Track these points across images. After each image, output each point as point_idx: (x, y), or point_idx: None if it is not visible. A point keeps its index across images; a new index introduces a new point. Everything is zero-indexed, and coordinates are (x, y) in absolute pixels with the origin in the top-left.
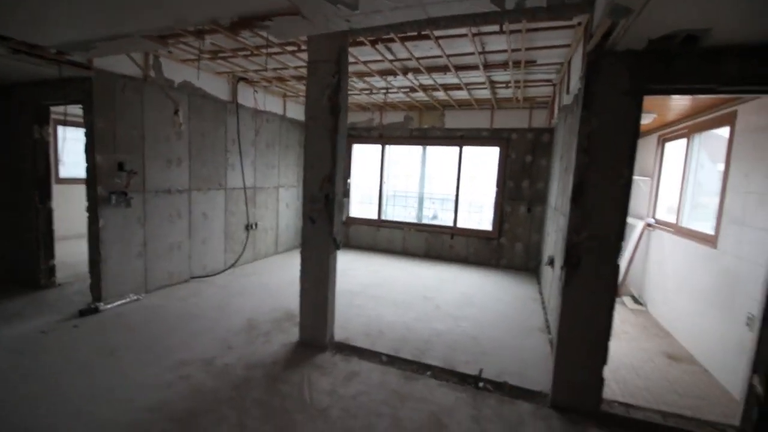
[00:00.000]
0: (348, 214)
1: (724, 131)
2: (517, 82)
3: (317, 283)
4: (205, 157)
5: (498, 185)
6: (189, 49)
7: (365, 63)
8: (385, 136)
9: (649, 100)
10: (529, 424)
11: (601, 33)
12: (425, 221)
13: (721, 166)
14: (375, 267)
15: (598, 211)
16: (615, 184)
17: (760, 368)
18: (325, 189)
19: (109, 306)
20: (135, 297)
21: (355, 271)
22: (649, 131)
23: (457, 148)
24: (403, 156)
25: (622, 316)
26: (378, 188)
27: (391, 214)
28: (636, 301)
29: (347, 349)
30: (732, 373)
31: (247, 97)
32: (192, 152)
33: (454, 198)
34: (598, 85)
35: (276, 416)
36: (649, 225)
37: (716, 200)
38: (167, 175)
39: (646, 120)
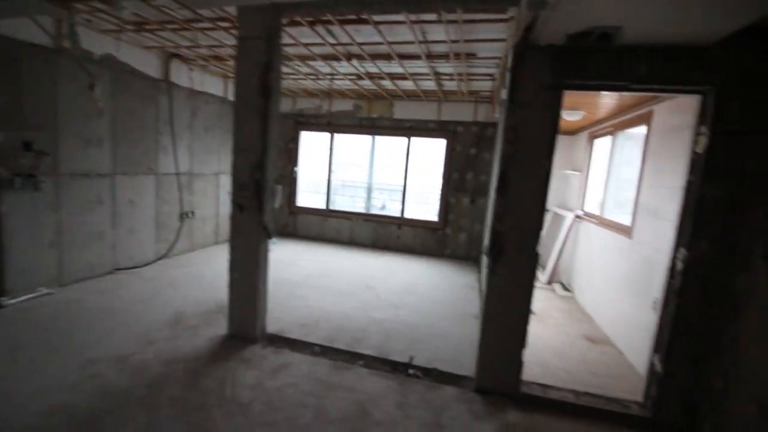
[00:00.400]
0: (295, 203)
1: (642, 130)
2: (460, 74)
3: (247, 273)
4: (132, 138)
5: (444, 177)
6: (110, 19)
7: (306, 46)
8: (333, 124)
9: (578, 98)
10: (452, 408)
11: (524, 26)
12: (374, 212)
13: (639, 163)
14: (321, 257)
15: (519, 202)
16: (535, 176)
17: (660, 348)
18: (254, 175)
19: (13, 301)
20: (46, 291)
21: (300, 261)
22: (581, 128)
23: (405, 139)
24: (352, 145)
25: (551, 302)
26: (326, 177)
27: (340, 204)
28: (565, 288)
29: (280, 341)
30: (641, 354)
31: (182, 75)
32: (117, 133)
33: (402, 189)
34: (522, 78)
35: (191, 413)
36: (578, 217)
37: (634, 194)
38: (86, 157)
39: (575, 117)
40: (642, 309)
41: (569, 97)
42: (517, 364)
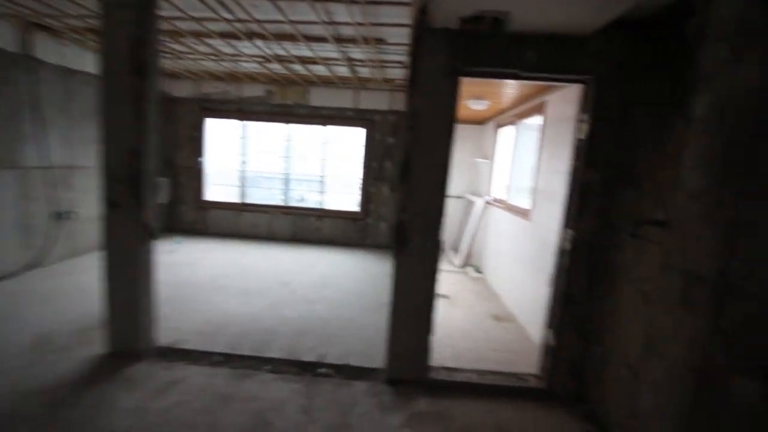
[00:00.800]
0: (203, 197)
1: (539, 120)
2: (372, 60)
3: (126, 280)
4: None
5: (363, 166)
6: None
7: (198, 21)
8: (244, 111)
9: (482, 87)
10: (362, 404)
11: (419, 8)
12: (292, 204)
13: (536, 150)
14: (234, 255)
15: (422, 190)
16: (436, 163)
17: (552, 323)
18: (130, 166)
19: None
20: None
21: (208, 261)
22: (489, 118)
23: (323, 128)
24: (267, 134)
25: (464, 284)
26: (239, 169)
27: (256, 196)
28: (477, 270)
29: (173, 354)
30: (540, 328)
31: (50, 51)
32: None
33: (321, 179)
34: (421, 62)
35: None
36: (487, 202)
37: (533, 180)
38: None
39: (480, 106)
40: (540, 285)
41: (474, 86)
42: (426, 351)
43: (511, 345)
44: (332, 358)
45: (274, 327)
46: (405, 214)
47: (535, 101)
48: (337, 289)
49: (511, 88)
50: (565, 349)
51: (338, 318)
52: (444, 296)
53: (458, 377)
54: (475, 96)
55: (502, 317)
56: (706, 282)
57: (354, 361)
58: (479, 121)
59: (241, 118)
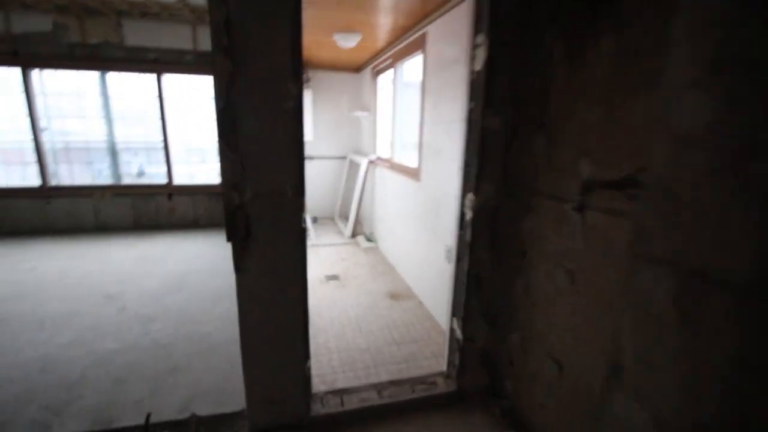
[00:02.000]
0: None
1: (419, 59)
2: None
3: None
4: None
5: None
6: None
7: None
8: (25, 54)
9: (350, 15)
10: None
11: None
12: (128, 181)
13: (419, 97)
14: (32, 263)
15: (263, 155)
16: (279, 109)
17: (458, 311)
18: None
19: None
20: None
21: None
22: (366, 63)
23: (153, 77)
24: (73, 87)
25: (355, 258)
26: (32, 138)
27: (69, 175)
28: (368, 239)
29: None
30: (441, 306)
31: None
32: None
33: (163, 146)
34: None
35: None
36: (371, 162)
37: (418, 133)
38: None
39: (351, 43)
40: (437, 256)
41: (340, 11)
42: (302, 382)
43: (412, 331)
44: (171, 411)
45: (80, 375)
46: (238, 195)
47: (413, 35)
48: (190, 294)
49: (383, 17)
50: (475, 341)
51: (186, 339)
52: (332, 277)
53: (352, 402)
54: (344, 27)
55: (400, 294)
56: (729, 288)
57: (205, 407)
58: (355, 67)
59: (21, 64)
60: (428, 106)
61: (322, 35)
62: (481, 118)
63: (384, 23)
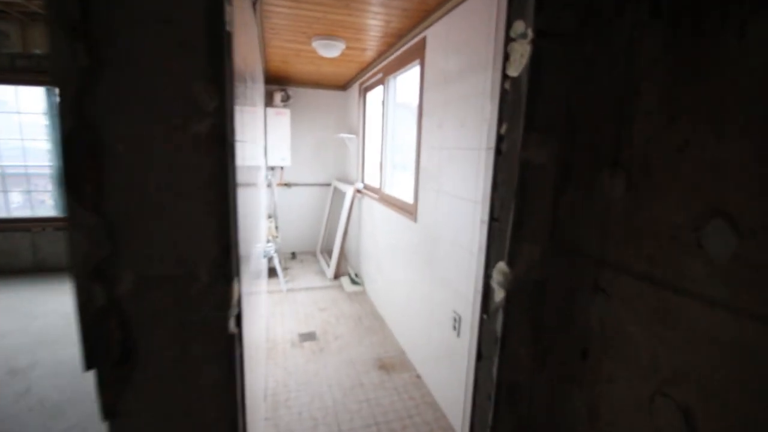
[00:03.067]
0: None
1: (416, 70)
2: None
3: None
4: None
5: None
6: None
7: None
8: None
9: (331, 17)
10: None
11: None
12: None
13: (416, 115)
14: None
15: (151, 212)
16: (185, 132)
17: (478, 421)
18: None
19: None
20: None
21: None
22: (352, 79)
23: None
24: None
25: (337, 307)
26: None
27: (4, 205)
28: (354, 280)
29: None
30: (445, 384)
31: None
32: None
33: None
34: None
35: None
36: (358, 191)
37: (414, 161)
38: None
39: (334, 52)
40: (441, 321)
41: (319, 12)
42: None
43: (410, 428)
44: None
45: None
46: (106, 286)
47: (409, 42)
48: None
49: (373, 14)
50: None
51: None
52: (308, 336)
53: None
54: (324, 32)
55: (392, 363)
56: None
57: None
58: (341, 84)
59: None
60: (427, 128)
61: (300, 41)
62: (519, 148)
63: (372, 26)
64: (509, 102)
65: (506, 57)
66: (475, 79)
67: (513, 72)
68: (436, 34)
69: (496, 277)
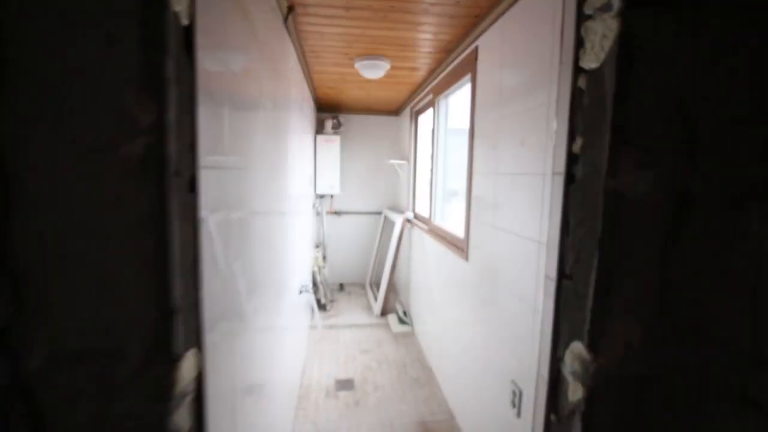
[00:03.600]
0: None
1: (467, 87)
2: None
3: None
4: None
5: None
6: None
7: None
8: None
9: (370, 33)
10: None
11: None
12: None
13: (467, 137)
14: None
15: (65, 266)
16: (107, 158)
17: None
18: None
19: None
20: None
21: None
22: (404, 103)
23: None
24: None
25: (382, 350)
26: None
27: None
28: (402, 320)
29: None
30: None
31: None
32: None
33: None
34: None
35: None
36: (408, 221)
37: (465, 189)
38: None
39: (378, 71)
40: (498, 391)
41: (354, 27)
42: None
43: None
44: None
45: None
46: (17, 360)
47: (459, 56)
48: None
49: (416, 26)
50: None
51: None
52: (345, 384)
53: None
54: (365, 51)
55: (435, 428)
56: None
57: None
58: (394, 109)
59: None
60: (480, 150)
61: (342, 64)
62: (604, 172)
63: (417, 40)
64: (585, 106)
65: (579, 43)
66: (536, 86)
67: (590, 62)
68: (488, 43)
69: (571, 365)
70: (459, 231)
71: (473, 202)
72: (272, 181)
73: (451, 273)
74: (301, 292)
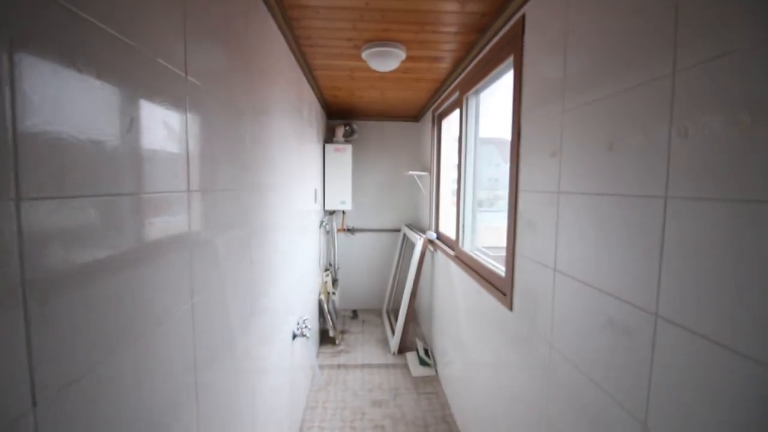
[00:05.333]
0: None
1: (509, 75)
2: None
3: None
4: None
5: None
6: None
7: None
8: None
9: (377, 15)
10: None
11: None
12: None
13: (510, 138)
14: None
15: None
16: None
17: None
18: None
19: None
20: None
21: None
22: (425, 106)
23: None
24: None
25: (398, 401)
26: None
27: None
28: (423, 360)
29: None
30: None
31: None
32: None
33: None
34: None
35: None
36: (430, 242)
37: (505, 211)
38: None
39: (392, 63)
40: None
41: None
42: None
43: None
44: None
45: None
46: None
47: (497, 35)
48: None
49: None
50: None
51: None
52: None
53: None
54: (373, 36)
55: None
56: None
57: None
58: (413, 114)
59: None
60: (529, 159)
61: (347, 55)
62: None
63: (437, 14)
64: None
65: None
66: (641, 54)
67: None
68: (542, 8)
69: None
70: (498, 269)
71: (520, 230)
72: (232, 201)
73: (487, 318)
74: (295, 336)
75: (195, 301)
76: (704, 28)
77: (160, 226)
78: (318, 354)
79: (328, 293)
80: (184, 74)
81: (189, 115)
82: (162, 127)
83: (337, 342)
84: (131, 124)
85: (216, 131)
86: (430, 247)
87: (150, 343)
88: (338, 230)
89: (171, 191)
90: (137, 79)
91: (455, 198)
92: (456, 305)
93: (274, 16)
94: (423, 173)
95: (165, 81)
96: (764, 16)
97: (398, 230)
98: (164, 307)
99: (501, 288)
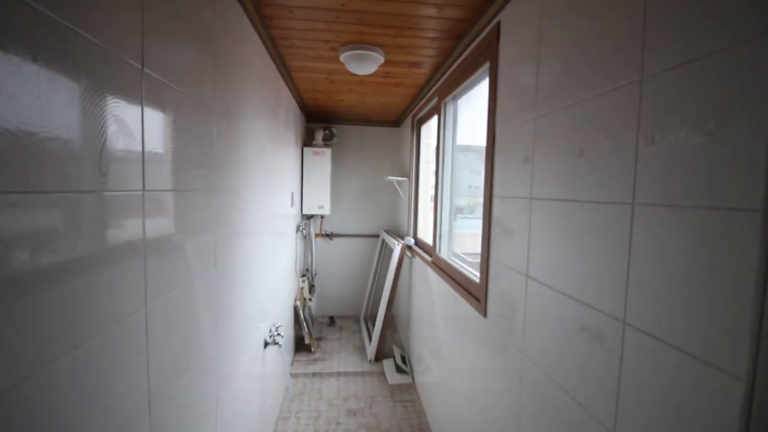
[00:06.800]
0: None
1: (483, 83)
2: None
3: None
4: None
5: None
6: None
7: None
8: None
9: (355, 16)
10: None
11: None
12: None
13: (485, 142)
14: None
15: None
16: None
17: None
18: None
19: None
20: None
21: None
22: (405, 112)
23: None
24: None
25: (374, 410)
26: None
27: None
28: (400, 368)
29: None
30: None
31: None
32: None
33: None
34: None
35: None
36: (408, 248)
37: (481, 216)
38: None
39: (370, 66)
40: None
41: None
42: None
43: None
44: None
45: None
46: None
47: (474, 40)
48: None
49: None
50: None
51: None
52: None
53: None
54: (351, 39)
55: None
56: None
57: None
58: (393, 120)
59: None
60: (504, 167)
61: (325, 57)
62: None
63: (414, 19)
64: None
65: None
66: (613, 57)
67: None
68: (517, 15)
69: None
70: (472, 274)
71: (494, 235)
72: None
73: (461, 324)
74: (267, 344)
75: (150, 308)
76: (670, 36)
77: (110, 228)
78: (293, 362)
79: (305, 299)
80: (140, 66)
81: (146, 109)
82: (111, 120)
83: (312, 349)
84: (69, 114)
85: (180, 127)
86: (409, 253)
87: (90, 352)
88: (316, 235)
89: (123, 190)
90: (80, 64)
91: (433, 205)
92: (433, 311)
93: (248, 14)
94: (402, 179)
95: (115, 70)
96: (722, 27)
97: (377, 236)
98: (111, 314)
99: (476, 294)
